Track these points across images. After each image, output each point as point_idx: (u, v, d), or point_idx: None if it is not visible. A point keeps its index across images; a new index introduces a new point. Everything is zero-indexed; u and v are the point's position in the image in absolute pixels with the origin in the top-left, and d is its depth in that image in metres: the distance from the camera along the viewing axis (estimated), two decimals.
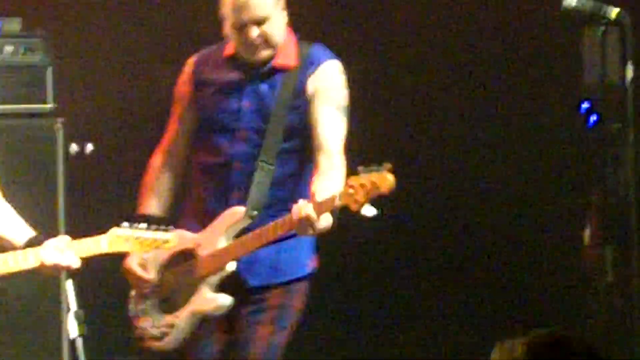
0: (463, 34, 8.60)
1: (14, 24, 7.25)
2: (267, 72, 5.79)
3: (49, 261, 5.65)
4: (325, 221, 5.37)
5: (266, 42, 5.69)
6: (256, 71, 5.80)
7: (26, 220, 6.01)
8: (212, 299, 5.65)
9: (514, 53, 8.60)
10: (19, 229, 5.97)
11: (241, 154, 5.77)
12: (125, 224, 5.57)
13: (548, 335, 3.16)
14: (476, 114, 8.86)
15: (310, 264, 5.79)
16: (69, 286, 6.15)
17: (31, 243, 5.77)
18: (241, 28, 5.64)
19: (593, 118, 7.45)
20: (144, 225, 5.55)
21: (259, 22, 5.69)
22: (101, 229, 5.77)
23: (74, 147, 7.41)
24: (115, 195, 8.37)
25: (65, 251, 5.73)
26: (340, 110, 5.78)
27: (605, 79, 6.92)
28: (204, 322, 5.73)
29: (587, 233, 7.46)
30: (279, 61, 5.78)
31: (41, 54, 7.40)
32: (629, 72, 6.23)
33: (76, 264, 5.64)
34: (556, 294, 8.03)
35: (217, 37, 6.25)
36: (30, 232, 5.87)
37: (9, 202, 6.08)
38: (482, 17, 8.56)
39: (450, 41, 8.67)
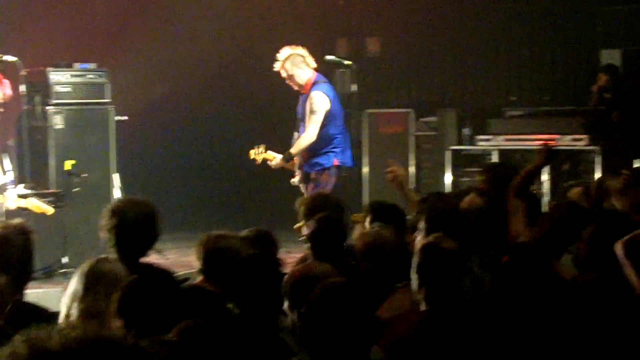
0: None
1: (94, 68, 10.92)
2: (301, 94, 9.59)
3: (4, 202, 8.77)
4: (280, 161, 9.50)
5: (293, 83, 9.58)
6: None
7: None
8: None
9: None
10: None
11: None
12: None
13: None
14: None
15: (326, 163, 9.45)
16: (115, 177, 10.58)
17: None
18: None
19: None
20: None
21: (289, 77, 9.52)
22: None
23: (118, 117, 10.96)
24: (143, 147, 12.63)
25: (12, 199, 8.65)
26: (312, 112, 9.43)
27: (345, 90, 11.12)
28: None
29: None
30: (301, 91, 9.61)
31: (104, 77, 10.96)
32: (355, 87, 10.34)
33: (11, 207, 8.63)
34: None
35: None
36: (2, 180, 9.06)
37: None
38: None
39: None
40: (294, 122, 9.73)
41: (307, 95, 9.46)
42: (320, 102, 9.39)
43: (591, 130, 11.50)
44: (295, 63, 9.38)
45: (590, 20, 12.50)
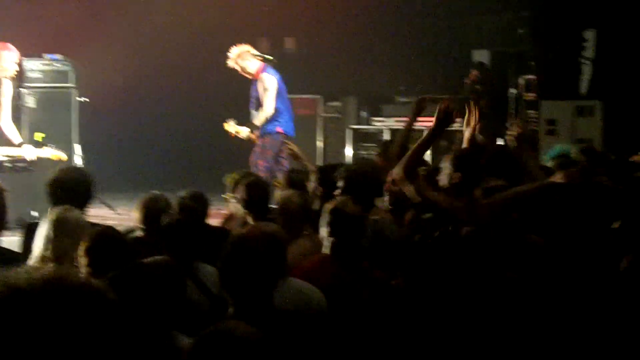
0: None
1: (61, 58, 11.41)
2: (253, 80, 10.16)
3: (24, 154, 9.04)
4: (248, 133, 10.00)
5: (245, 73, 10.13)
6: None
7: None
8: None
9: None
10: (15, 136, 9.20)
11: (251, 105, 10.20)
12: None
13: None
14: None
15: (271, 129, 9.77)
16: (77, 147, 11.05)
17: (20, 144, 9.16)
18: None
19: None
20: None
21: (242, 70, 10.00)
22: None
23: (79, 99, 11.46)
24: (103, 124, 12.98)
25: (31, 152, 8.85)
26: (266, 90, 9.80)
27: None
28: None
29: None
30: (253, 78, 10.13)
31: (68, 66, 11.42)
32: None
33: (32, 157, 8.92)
34: None
35: None
36: (19, 139, 9.14)
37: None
38: None
39: None
40: (245, 103, 10.04)
41: (258, 80, 9.85)
42: (270, 82, 9.85)
43: (463, 115, 11.93)
44: (245, 57, 9.79)
45: (463, 25, 13.39)
